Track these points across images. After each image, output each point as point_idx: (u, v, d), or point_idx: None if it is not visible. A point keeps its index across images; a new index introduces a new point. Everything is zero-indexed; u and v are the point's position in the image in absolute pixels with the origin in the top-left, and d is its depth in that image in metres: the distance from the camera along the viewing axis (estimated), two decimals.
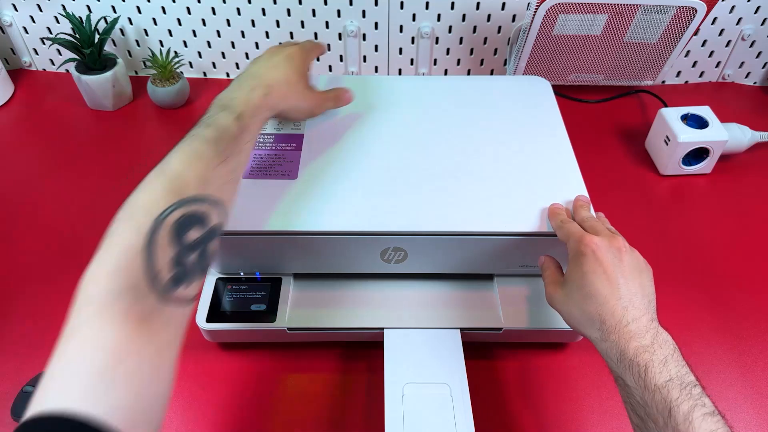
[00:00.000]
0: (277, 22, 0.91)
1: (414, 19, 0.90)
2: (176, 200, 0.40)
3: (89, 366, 0.34)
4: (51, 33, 0.95)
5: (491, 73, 0.98)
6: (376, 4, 0.88)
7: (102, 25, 0.91)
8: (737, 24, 0.91)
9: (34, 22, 0.94)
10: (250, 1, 0.89)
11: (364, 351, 0.62)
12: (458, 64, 0.97)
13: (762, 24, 0.91)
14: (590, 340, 0.47)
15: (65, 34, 0.88)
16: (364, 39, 0.93)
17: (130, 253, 0.38)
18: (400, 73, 0.98)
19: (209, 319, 0.59)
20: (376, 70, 0.97)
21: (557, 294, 0.52)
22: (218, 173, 0.45)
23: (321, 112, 0.63)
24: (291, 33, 0.93)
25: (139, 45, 0.97)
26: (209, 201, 0.43)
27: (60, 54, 0.98)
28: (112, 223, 0.40)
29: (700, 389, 0.41)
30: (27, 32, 0.96)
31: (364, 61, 0.96)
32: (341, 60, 0.96)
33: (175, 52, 0.93)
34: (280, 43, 0.63)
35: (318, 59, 0.97)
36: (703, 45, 0.94)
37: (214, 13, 0.91)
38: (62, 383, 0.34)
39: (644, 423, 0.42)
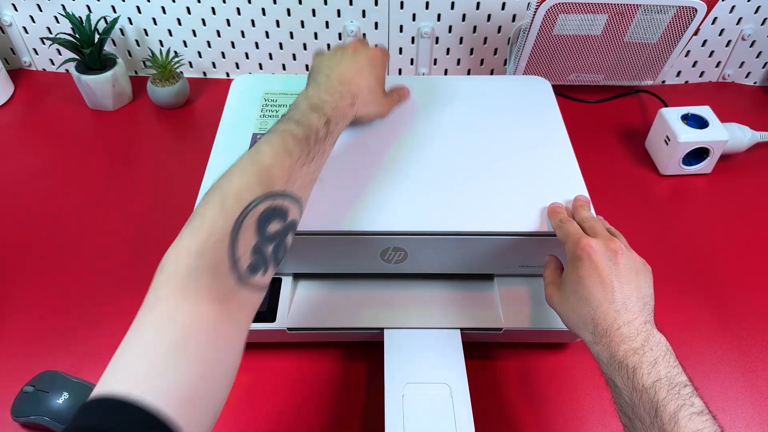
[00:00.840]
0: (277, 22, 0.91)
1: (414, 19, 0.90)
2: (265, 192, 0.42)
3: (162, 340, 0.35)
4: (51, 33, 0.95)
5: (491, 73, 0.98)
6: (376, 4, 0.88)
7: (102, 25, 0.91)
8: (737, 24, 0.91)
9: (34, 22, 0.94)
10: (250, 1, 0.89)
11: (364, 351, 0.62)
12: (458, 64, 0.97)
13: (762, 24, 0.91)
14: (584, 342, 0.48)
15: (65, 34, 0.88)
16: (364, 39, 0.93)
17: (218, 236, 0.40)
18: (400, 73, 0.98)
19: None
20: None
21: (555, 295, 0.52)
22: (302, 172, 0.46)
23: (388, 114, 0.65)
24: (291, 33, 0.93)
25: (139, 45, 0.97)
26: (291, 197, 0.45)
27: (60, 54, 0.98)
28: (200, 206, 0.42)
29: (691, 389, 0.41)
30: (27, 32, 0.96)
31: None
32: None
33: (175, 52, 0.93)
34: (355, 39, 0.64)
35: None
36: (703, 45, 0.94)
37: (214, 13, 0.91)
38: (133, 358, 0.35)
39: (632, 423, 0.42)
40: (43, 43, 0.97)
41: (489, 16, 0.90)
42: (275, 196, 0.43)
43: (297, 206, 0.46)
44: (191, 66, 0.99)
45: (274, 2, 0.89)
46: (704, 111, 0.80)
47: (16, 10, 0.94)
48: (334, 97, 0.52)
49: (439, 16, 0.90)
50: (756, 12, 0.90)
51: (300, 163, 0.46)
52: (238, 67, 0.98)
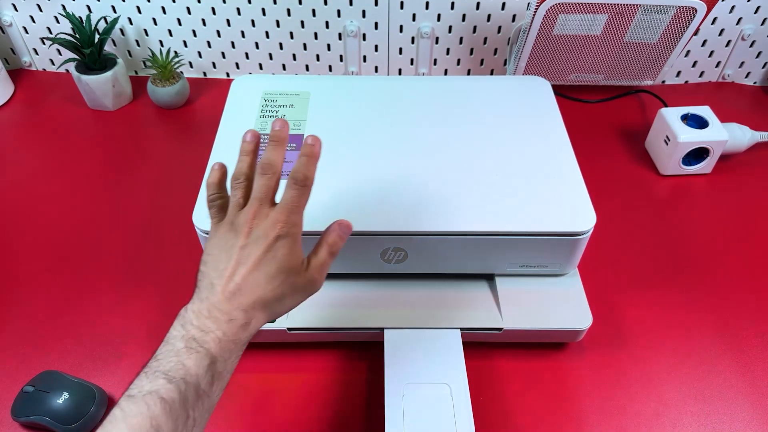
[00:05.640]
0: (277, 22, 0.91)
1: (414, 19, 0.90)
2: None
3: None
4: (51, 33, 0.95)
5: (491, 73, 0.98)
6: (376, 4, 0.88)
7: (102, 25, 0.91)
8: (737, 24, 0.91)
9: (34, 22, 0.94)
10: (250, 1, 0.89)
11: (364, 351, 0.62)
12: (458, 64, 0.97)
13: (762, 24, 0.91)
14: None
15: (65, 34, 0.88)
16: (364, 39, 0.93)
17: None
18: (400, 73, 0.98)
19: None
20: (376, 70, 0.97)
21: None
22: None
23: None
24: (291, 33, 0.93)
25: (139, 45, 0.97)
26: None
27: (60, 54, 0.98)
28: None
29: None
30: (27, 32, 0.96)
31: (364, 61, 0.96)
32: (341, 60, 0.96)
33: (175, 52, 0.93)
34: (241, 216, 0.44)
35: (318, 59, 0.97)
36: (703, 45, 0.94)
37: (214, 13, 0.91)
38: None
39: None
40: (43, 43, 0.97)
41: (489, 16, 0.90)
42: None
43: None
44: (191, 66, 0.99)
45: (274, 2, 0.89)
46: (704, 111, 0.80)
47: (16, 10, 0.93)
48: (220, 323, 0.39)
49: (439, 16, 0.90)
50: (756, 12, 0.90)
51: None
52: (238, 67, 0.98)
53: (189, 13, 0.91)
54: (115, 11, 0.92)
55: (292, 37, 0.94)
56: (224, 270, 0.41)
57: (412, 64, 0.97)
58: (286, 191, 0.43)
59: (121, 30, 0.95)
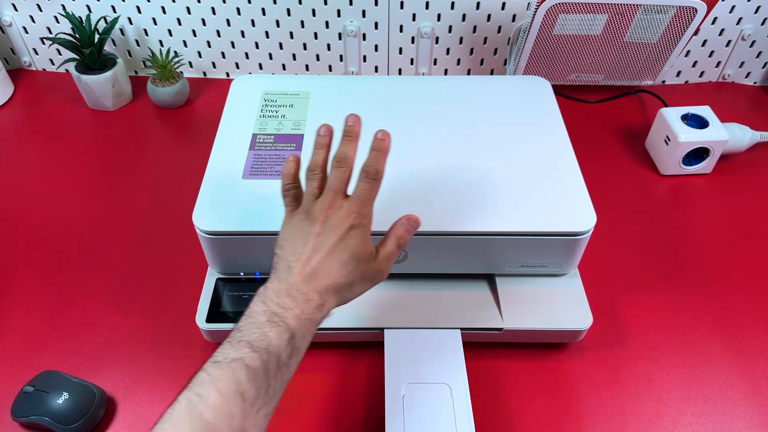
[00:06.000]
0: (277, 21, 0.91)
1: (414, 19, 0.90)
2: None
3: None
4: (51, 33, 0.95)
5: (491, 73, 0.98)
6: (376, 4, 0.88)
7: (102, 25, 0.91)
8: (737, 24, 0.91)
9: (34, 22, 0.94)
10: (250, 1, 0.89)
11: (364, 351, 0.62)
12: (458, 63, 0.97)
13: (762, 24, 0.91)
14: None
15: (65, 33, 0.88)
16: (364, 39, 0.93)
17: None
18: (400, 73, 0.98)
19: (209, 320, 0.59)
20: (376, 70, 0.97)
21: None
22: (259, 417, 0.38)
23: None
24: (291, 33, 0.93)
25: (138, 45, 0.96)
26: None
27: (60, 54, 0.98)
28: None
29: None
30: (27, 32, 0.96)
31: (364, 60, 0.96)
32: (341, 60, 0.96)
33: (175, 52, 0.93)
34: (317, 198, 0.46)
35: (318, 59, 0.97)
36: (703, 45, 0.94)
37: (214, 13, 0.91)
38: None
39: None
40: (43, 43, 0.97)
41: (489, 16, 0.90)
42: None
43: None
44: (191, 66, 0.99)
45: (274, 2, 0.89)
46: (704, 111, 0.80)
47: (16, 10, 0.93)
48: (298, 302, 0.42)
49: (439, 16, 0.90)
50: (756, 12, 0.90)
51: (257, 406, 0.37)
52: (238, 67, 0.98)
53: (189, 12, 0.91)
54: (115, 11, 0.92)
55: (292, 37, 0.94)
56: (301, 254, 0.44)
57: (412, 64, 0.96)
58: (359, 184, 0.46)
59: (121, 30, 0.95)
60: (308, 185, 0.47)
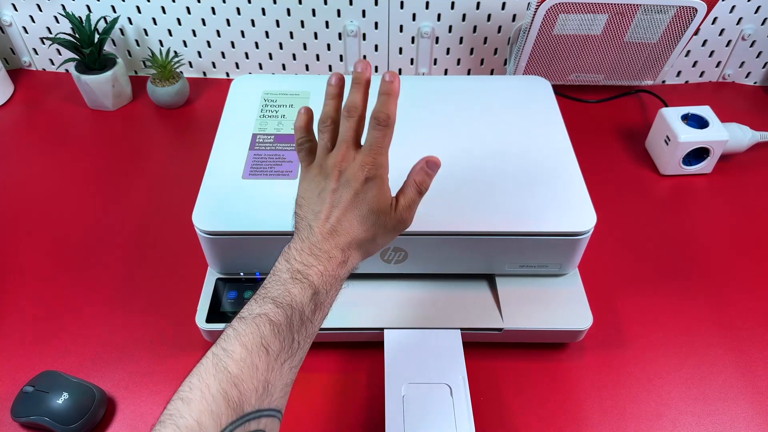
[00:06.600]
0: (277, 21, 0.91)
1: (414, 19, 0.90)
2: (233, 418, 0.35)
3: None
4: (51, 33, 0.95)
5: (491, 73, 0.98)
6: (376, 4, 0.88)
7: (102, 25, 0.91)
8: (737, 24, 0.91)
9: (33, 22, 0.94)
10: (250, 1, 0.89)
11: (364, 351, 0.62)
12: (458, 63, 0.97)
13: (762, 24, 0.91)
14: None
15: (65, 33, 0.88)
16: (364, 39, 0.93)
17: None
18: (400, 73, 0.98)
19: (209, 320, 0.59)
20: (376, 70, 0.97)
21: None
22: (284, 370, 0.38)
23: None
24: (291, 33, 0.93)
25: (138, 45, 0.96)
26: (269, 414, 0.38)
27: (60, 54, 0.98)
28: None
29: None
30: (27, 32, 0.96)
31: None
32: (341, 60, 0.96)
33: (175, 52, 0.93)
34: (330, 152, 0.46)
35: (318, 59, 0.97)
36: (703, 45, 0.94)
37: (213, 13, 0.91)
38: None
39: None
40: (43, 43, 0.97)
41: (489, 16, 0.90)
42: (248, 419, 0.36)
43: (276, 421, 0.38)
44: (191, 66, 0.99)
45: (274, 2, 0.89)
46: (704, 111, 0.80)
47: (16, 10, 0.93)
48: (321, 260, 0.42)
49: (439, 16, 0.90)
50: (756, 12, 0.90)
51: (281, 359, 0.38)
52: (238, 67, 0.98)
53: (189, 12, 0.91)
54: (114, 11, 0.92)
55: (291, 37, 0.94)
56: (319, 213, 0.43)
57: (412, 63, 0.96)
58: (370, 132, 0.44)
59: (121, 30, 0.95)
60: (320, 138, 0.46)
